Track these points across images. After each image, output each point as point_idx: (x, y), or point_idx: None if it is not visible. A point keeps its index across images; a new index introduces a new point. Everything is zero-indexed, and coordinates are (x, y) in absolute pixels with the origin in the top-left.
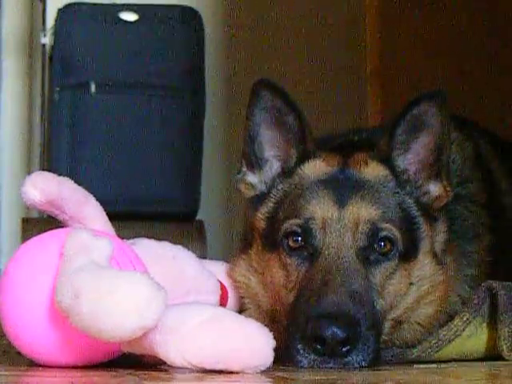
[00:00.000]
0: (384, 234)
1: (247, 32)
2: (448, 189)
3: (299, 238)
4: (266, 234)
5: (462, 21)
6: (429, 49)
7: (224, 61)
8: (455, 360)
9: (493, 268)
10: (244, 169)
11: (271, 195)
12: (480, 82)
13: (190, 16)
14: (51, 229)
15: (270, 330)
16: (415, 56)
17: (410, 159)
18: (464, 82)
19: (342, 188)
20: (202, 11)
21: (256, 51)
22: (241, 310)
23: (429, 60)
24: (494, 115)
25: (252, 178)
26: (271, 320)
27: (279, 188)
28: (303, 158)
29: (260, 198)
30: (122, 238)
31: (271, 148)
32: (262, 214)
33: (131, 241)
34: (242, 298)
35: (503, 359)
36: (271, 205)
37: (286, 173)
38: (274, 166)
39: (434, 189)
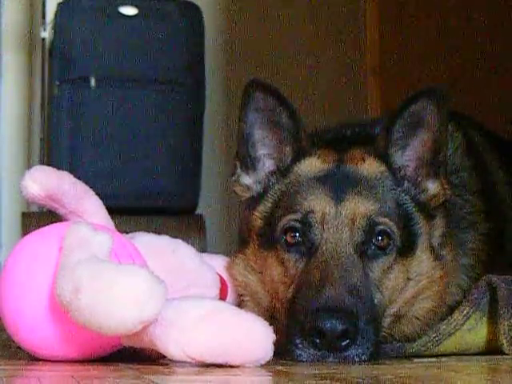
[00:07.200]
0: (381, 228)
1: (247, 27)
2: (446, 187)
3: (297, 234)
4: (263, 232)
5: (461, 20)
6: (428, 47)
7: (224, 55)
8: (455, 354)
9: (490, 256)
10: (238, 171)
11: (268, 195)
12: (480, 80)
13: (190, 10)
14: (51, 223)
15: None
16: (415, 55)
17: (408, 156)
18: (464, 80)
19: (339, 184)
20: (202, 5)
21: (256, 47)
22: (240, 308)
23: (428, 59)
24: (493, 114)
25: (247, 179)
26: (270, 317)
27: (275, 187)
28: (298, 155)
29: (256, 199)
30: (122, 232)
31: (265, 148)
32: (259, 213)
33: (131, 235)
34: (241, 295)
35: (503, 353)
36: (268, 204)
37: (282, 172)
38: (268, 166)
39: (432, 186)
